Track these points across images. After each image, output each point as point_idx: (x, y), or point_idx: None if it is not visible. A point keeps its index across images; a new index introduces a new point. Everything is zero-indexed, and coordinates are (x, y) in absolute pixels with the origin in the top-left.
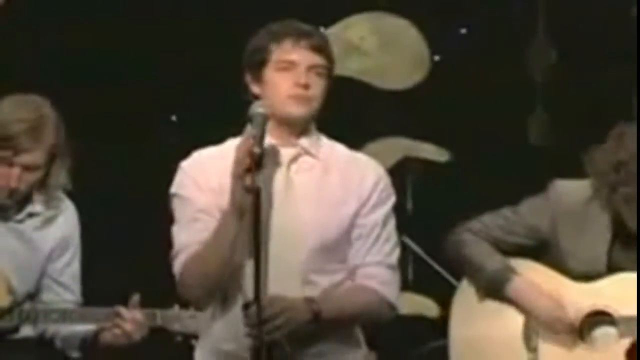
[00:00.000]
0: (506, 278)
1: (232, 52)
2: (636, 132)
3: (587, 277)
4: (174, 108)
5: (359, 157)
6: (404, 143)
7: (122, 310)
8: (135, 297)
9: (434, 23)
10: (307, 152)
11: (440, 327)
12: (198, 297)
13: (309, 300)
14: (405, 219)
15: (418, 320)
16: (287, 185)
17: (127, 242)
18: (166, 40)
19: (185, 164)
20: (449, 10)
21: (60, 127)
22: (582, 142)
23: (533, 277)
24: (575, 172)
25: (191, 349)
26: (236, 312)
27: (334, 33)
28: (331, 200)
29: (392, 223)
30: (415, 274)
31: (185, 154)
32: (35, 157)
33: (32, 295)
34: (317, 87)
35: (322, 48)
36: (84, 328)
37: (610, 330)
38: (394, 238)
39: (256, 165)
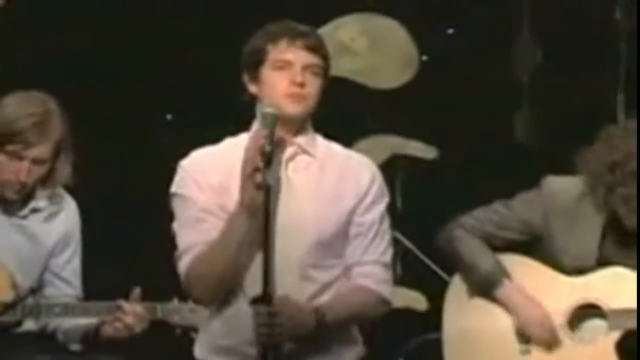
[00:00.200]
0: (497, 281)
1: (229, 52)
2: (628, 133)
3: (578, 271)
4: (171, 107)
5: (354, 155)
6: (392, 141)
7: (124, 303)
8: (137, 291)
9: (422, 24)
10: (303, 151)
11: (428, 320)
12: (204, 297)
13: (315, 309)
14: (394, 216)
15: (407, 313)
16: (284, 183)
17: (127, 238)
18: (165, 41)
19: (184, 163)
20: (436, 11)
21: (65, 121)
22: (567, 140)
23: (525, 272)
24: (560, 168)
25: (191, 341)
26: (236, 307)
27: (326, 33)
28: (328, 197)
29: (386, 221)
30: (404, 269)
31: (183, 153)
32: (43, 150)
33: (35, 290)
34: (313, 86)
35: (317, 48)
36: (86, 321)
37: (600, 323)
38: (388, 236)
39: (266, 163)
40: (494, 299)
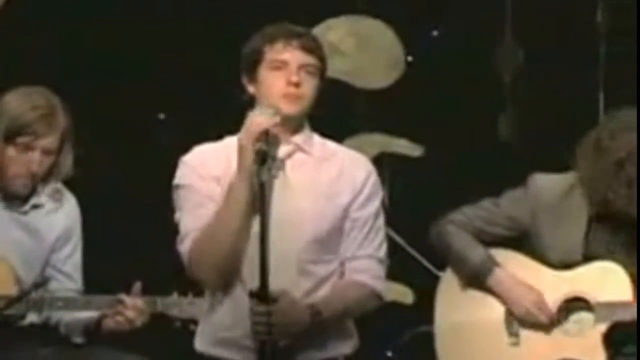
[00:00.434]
0: (488, 270)
1: (223, 52)
2: (629, 127)
3: (565, 266)
4: (164, 107)
5: (350, 152)
6: (380, 139)
7: (125, 297)
8: (137, 285)
9: (408, 26)
10: (300, 149)
11: (415, 313)
12: (209, 275)
13: (310, 306)
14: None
15: (394, 306)
16: (282, 180)
17: (124, 235)
18: (159, 40)
19: (186, 158)
20: (422, 13)
21: (68, 113)
22: (548, 138)
23: (513, 266)
24: (542, 166)
25: (190, 333)
26: (236, 300)
27: (316, 34)
28: (325, 194)
29: (381, 217)
30: (391, 263)
31: (176, 151)
32: (51, 141)
33: (40, 284)
34: (309, 85)
35: (313, 48)
36: (87, 315)
37: (586, 316)
38: (382, 232)
39: (262, 161)
40: (485, 289)
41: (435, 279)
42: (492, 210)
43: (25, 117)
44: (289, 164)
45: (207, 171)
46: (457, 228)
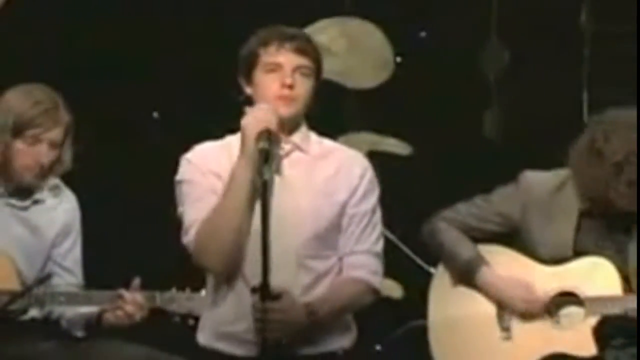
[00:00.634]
0: (476, 268)
1: (218, 51)
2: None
3: (555, 261)
4: (158, 106)
5: (347, 150)
6: (369, 138)
7: (124, 292)
8: (136, 281)
9: (397, 27)
10: (298, 148)
11: (404, 308)
12: (215, 259)
13: (306, 305)
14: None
15: (383, 301)
16: (281, 178)
17: (123, 231)
18: (154, 39)
19: (188, 155)
20: (409, 15)
21: (67, 106)
22: (532, 136)
23: (505, 262)
24: (526, 163)
25: (189, 328)
26: (238, 295)
27: None
28: (323, 191)
29: (378, 213)
30: None
31: (170, 149)
32: (57, 133)
33: (43, 280)
34: (303, 86)
35: (306, 50)
36: (88, 310)
37: (577, 310)
38: (379, 227)
39: (265, 160)
40: (475, 287)
41: (424, 275)
42: (483, 207)
43: (33, 111)
44: (286, 162)
45: (208, 167)
46: (448, 225)
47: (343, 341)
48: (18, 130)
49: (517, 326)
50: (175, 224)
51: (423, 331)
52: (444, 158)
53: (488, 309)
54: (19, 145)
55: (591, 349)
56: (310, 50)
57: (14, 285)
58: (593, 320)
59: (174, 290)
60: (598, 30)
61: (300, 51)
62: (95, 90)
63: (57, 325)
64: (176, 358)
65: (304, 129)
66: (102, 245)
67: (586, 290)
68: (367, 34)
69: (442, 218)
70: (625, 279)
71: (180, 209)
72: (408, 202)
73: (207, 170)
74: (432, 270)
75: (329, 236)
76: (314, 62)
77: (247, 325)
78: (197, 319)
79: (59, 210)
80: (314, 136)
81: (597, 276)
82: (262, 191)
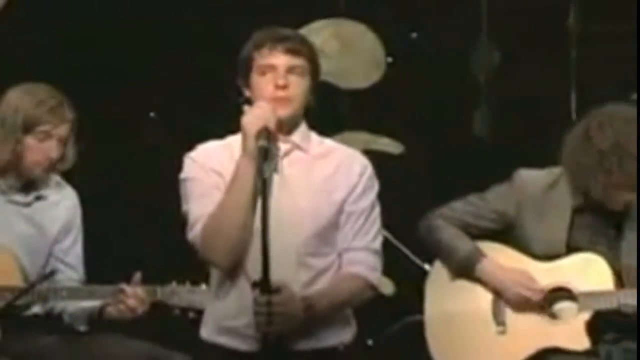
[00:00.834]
0: (476, 260)
1: (216, 51)
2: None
3: (549, 257)
4: (159, 107)
5: (346, 149)
6: (362, 137)
7: (126, 287)
8: (137, 275)
9: (388, 28)
10: (298, 147)
11: (395, 304)
12: (221, 254)
13: (304, 299)
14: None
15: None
16: (280, 177)
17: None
18: (151, 39)
19: (191, 154)
20: (401, 16)
21: (70, 103)
22: (521, 135)
23: (500, 258)
24: (515, 161)
25: (189, 321)
26: (240, 291)
27: None
28: (322, 190)
29: (376, 210)
30: None
31: (167, 149)
32: (65, 128)
33: (48, 276)
34: (298, 86)
35: (299, 50)
36: (90, 304)
37: (570, 305)
38: (378, 224)
39: (264, 157)
40: (474, 280)
41: (415, 271)
42: (478, 204)
43: (41, 109)
44: (286, 162)
45: (211, 166)
46: (445, 222)
47: (343, 336)
48: (28, 127)
49: (512, 321)
50: (173, 221)
51: (419, 326)
52: (435, 156)
53: (484, 303)
54: (29, 141)
55: (584, 343)
56: (304, 51)
57: (18, 282)
58: (586, 315)
59: (174, 284)
60: (586, 31)
61: (293, 52)
62: (95, 90)
63: (60, 319)
64: (177, 354)
65: (303, 128)
66: (102, 242)
67: (579, 285)
68: (359, 35)
69: (439, 215)
70: (617, 274)
71: (185, 207)
72: (400, 200)
73: (210, 168)
74: (426, 266)
75: (328, 234)
76: (309, 62)
77: (248, 321)
78: (197, 312)
79: (61, 207)
80: (314, 136)
81: (589, 272)
82: (262, 188)
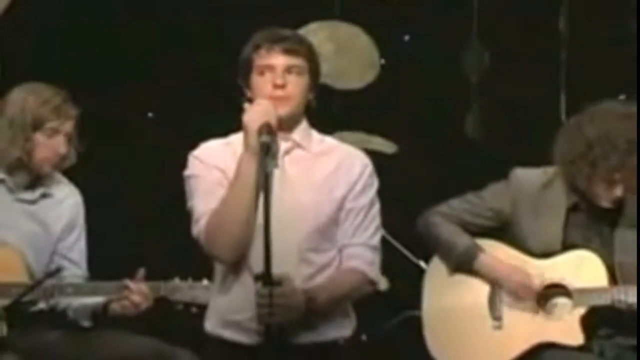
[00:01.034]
0: (474, 254)
1: (214, 51)
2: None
3: (544, 255)
4: (157, 106)
5: (346, 148)
6: (356, 136)
7: (130, 283)
8: (141, 271)
9: (382, 31)
10: (299, 145)
11: (389, 300)
12: (225, 248)
13: (305, 292)
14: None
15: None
16: (282, 175)
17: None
18: (148, 39)
19: (195, 152)
20: (394, 19)
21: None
22: (512, 136)
23: (496, 254)
24: (506, 160)
25: (191, 315)
26: (244, 285)
27: None
28: (323, 187)
29: (376, 207)
30: None
31: (165, 149)
32: (71, 125)
33: (53, 273)
34: (297, 85)
35: (296, 50)
36: (94, 300)
37: (565, 301)
38: (377, 221)
39: (266, 152)
40: (472, 274)
41: (410, 267)
42: (475, 202)
43: (47, 106)
44: (287, 159)
45: (214, 163)
46: (443, 219)
47: (343, 330)
48: (37, 125)
49: (508, 316)
50: (173, 219)
51: (416, 321)
52: (428, 156)
53: (480, 299)
54: (39, 138)
55: (578, 339)
56: (302, 50)
57: (24, 279)
58: (580, 311)
59: (177, 280)
60: (576, 33)
61: (290, 52)
62: (95, 91)
63: (64, 315)
64: (181, 349)
65: (304, 126)
66: (105, 241)
67: (573, 282)
68: (354, 37)
69: (437, 212)
70: (610, 271)
71: (189, 203)
72: (393, 199)
73: (213, 166)
74: (421, 263)
75: (328, 230)
76: (307, 62)
77: (251, 314)
78: (199, 306)
79: (65, 204)
80: (315, 134)
81: (584, 269)
82: (264, 183)
